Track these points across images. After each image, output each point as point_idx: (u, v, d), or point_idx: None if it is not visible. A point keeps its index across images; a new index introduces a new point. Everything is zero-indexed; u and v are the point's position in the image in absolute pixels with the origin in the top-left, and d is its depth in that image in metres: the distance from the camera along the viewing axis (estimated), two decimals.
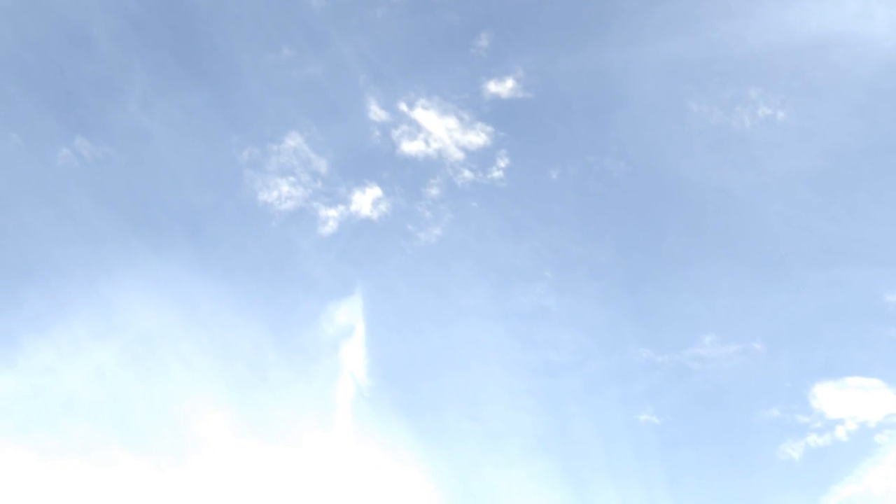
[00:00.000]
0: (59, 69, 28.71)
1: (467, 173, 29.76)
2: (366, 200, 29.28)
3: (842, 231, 28.52)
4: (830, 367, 27.33)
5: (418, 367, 28.15)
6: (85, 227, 27.69)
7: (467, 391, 27.91)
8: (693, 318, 28.62)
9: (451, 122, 30.03)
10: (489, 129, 30.11)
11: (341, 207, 29.16)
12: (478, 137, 30.04)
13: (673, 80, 30.41)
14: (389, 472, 26.25)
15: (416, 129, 29.93)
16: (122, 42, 29.11)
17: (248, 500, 25.41)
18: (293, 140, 29.50)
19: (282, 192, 29.01)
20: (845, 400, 26.75)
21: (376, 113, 29.97)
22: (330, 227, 28.93)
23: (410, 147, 29.82)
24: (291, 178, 29.21)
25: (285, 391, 26.91)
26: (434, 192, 29.60)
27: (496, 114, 30.23)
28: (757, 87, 29.99)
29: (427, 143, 29.86)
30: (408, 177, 29.72)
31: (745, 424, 27.29)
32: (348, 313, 28.07)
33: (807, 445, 26.63)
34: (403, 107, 30.08)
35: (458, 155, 29.86)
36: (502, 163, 29.86)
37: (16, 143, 27.92)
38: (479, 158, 29.86)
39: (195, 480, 25.41)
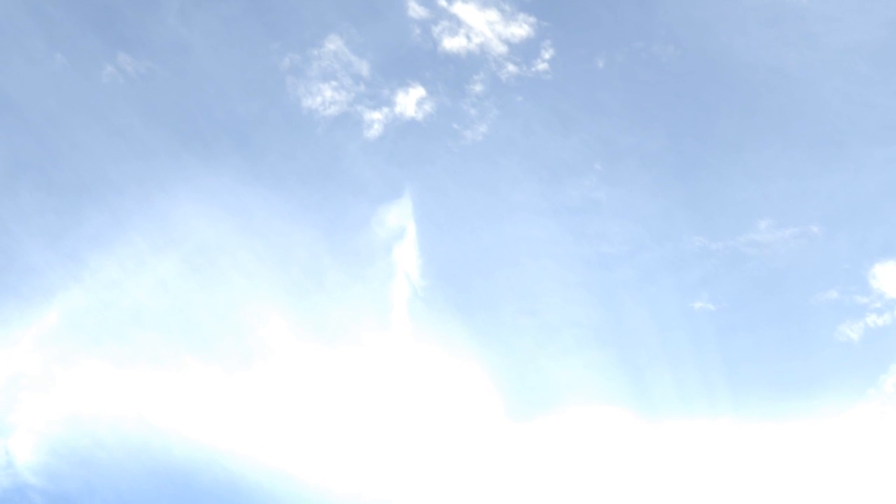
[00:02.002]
0: None
1: (511, 67, 29.19)
2: (409, 101, 29.02)
3: None
4: (890, 247, 26.79)
5: (471, 265, 28.41)
6: (135, 142, 28.10)
7: (521, 286, 28.14)
8: (747, 203, 28.13)
9: (492, 14, 29.28)
10: (532, 19, 29.30)
11: (385, 110, 28.99)
12: (520, 29, 29.29)
13: None
14: (447, 368, 26.90)
15: (456, 24, 29.29)
16: None
17: (311, 399, 26.41)
18: (333, 43, 29.17)
19: (325, 98, 28.90)
20: None
21: (415, 10, 29.35)
22: (375, 131, 28.87)
23: (452, 43, 29.26)
24: (334, 83, 29.03)
25: (342, 294, 27.48)
26: (478, 88, 29.17)
27: (538, 3, 29.33)
28: None
29: (468, 38, 29.25)
30: (450, 74, 29.26)
31: (803, 307, 27.11)
32: (399, 215, 28.27)
33: (866, 326, 26.41)
34: (442, 2, 29.38)
35: (501, 49, 29.24)
36: (546, 54, 29.16)
37: (61, 62, 28.18)
38: (523, 51, 29.19)
39: (261, 382, 26.47)
